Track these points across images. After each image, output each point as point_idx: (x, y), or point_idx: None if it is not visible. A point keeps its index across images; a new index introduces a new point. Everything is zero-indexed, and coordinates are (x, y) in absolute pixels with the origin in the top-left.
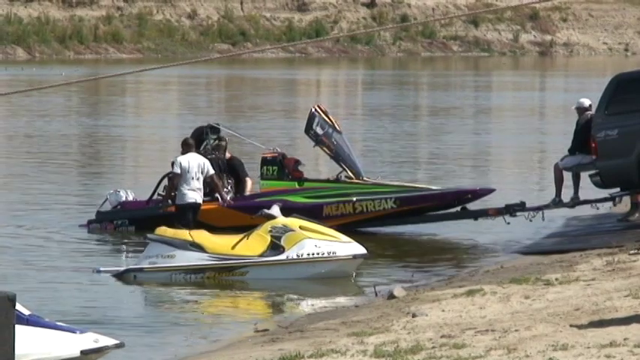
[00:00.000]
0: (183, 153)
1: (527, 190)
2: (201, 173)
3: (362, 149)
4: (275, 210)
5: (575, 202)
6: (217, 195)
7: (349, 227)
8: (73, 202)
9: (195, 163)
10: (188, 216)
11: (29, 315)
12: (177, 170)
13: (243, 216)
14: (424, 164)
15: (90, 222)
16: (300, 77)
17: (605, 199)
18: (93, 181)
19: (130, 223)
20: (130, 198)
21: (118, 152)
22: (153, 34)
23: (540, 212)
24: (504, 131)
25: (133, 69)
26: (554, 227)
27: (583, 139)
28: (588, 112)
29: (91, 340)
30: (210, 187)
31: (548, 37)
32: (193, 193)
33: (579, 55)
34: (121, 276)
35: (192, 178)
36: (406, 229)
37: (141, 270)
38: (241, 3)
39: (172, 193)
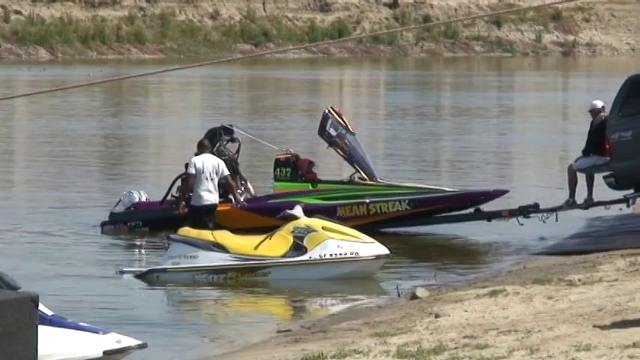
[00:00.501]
0: (199, 154)
1: (547, 191)
2: (216, 174)
3: (384, 149)
4: (298, 210)
5: (589, 203)
6: (231, 196)
7: (362, 228)
8: (94, 202)
9: (210, 164)
10: (201, 218)
11: (52, 315)
12: (192, 171)
13: (257, 217)
14: (446, 164)
15: (104, 223)
16: (322, 78)
17: (619, 201)
18: (114, 181)
19: (144, 224)
20: (144, 199)
21: (140, 152)
22: (175, 34)
23: (554, 214)
24: (526, 131)
25: (156, 69)
26: (577, 228)
27: (597, 140)
28: (602, 114)
29: (113, 340)
30: (224, 189)
31: (571, 38)
32: (209, 195)
33: (602, 55)
34: (144, 276)
35: (207, 179)
36: (429, 229)
37: (164, 270)
38: (263, 3)
39: (187, 194)
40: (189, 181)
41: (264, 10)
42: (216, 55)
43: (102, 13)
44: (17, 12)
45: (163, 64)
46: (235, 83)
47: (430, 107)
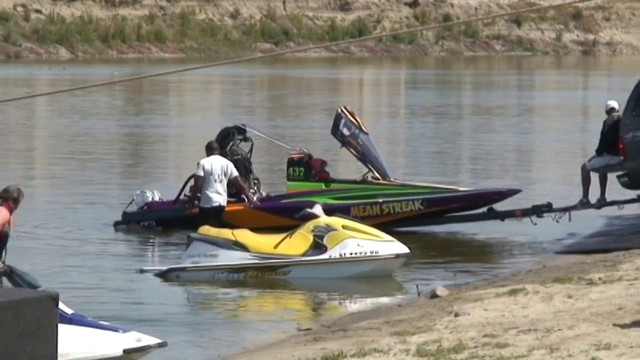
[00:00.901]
0: (208, 156)
1: (565, 190)
2: (225, 176)
3: (404, 148)
4: (318, 209)
5: (602, 203)
6: (243, 196)
7: (375, 228)
8: (114, 200)
9: (219, 166)
10: (208, 219)
11: (72, 314)
12: (201, 173)
13: (269, 217)
14: (466, 163)
15: (117, 223)
16: (342, 77)
17: (632, 200)
18: (133, 180)
19: (157, 223)
20: (157, 198)
21: (160, 151)
22: (195, 33)
23: (567, 213)
24: (547, 130)
25: (176, 68)
26: (597, 226)
27: (610, 140)
28: (615, 113)
29: (133, 339)
30: (236, 188)
31: (591, 37)
32: (217, 196)
33: (622, 54)
34: (163, 275)
35: (216, 181)
36: (449, 228)
37: (183, 269)
38: (284, 2)
39: (198, 194)
40: (197, 183)
41: (284, 9)
42: (236, 54)
43: (122, 12)
44: (37, 11)
45: (183, 63)
46: (256, 82)
47: (450, 106)
